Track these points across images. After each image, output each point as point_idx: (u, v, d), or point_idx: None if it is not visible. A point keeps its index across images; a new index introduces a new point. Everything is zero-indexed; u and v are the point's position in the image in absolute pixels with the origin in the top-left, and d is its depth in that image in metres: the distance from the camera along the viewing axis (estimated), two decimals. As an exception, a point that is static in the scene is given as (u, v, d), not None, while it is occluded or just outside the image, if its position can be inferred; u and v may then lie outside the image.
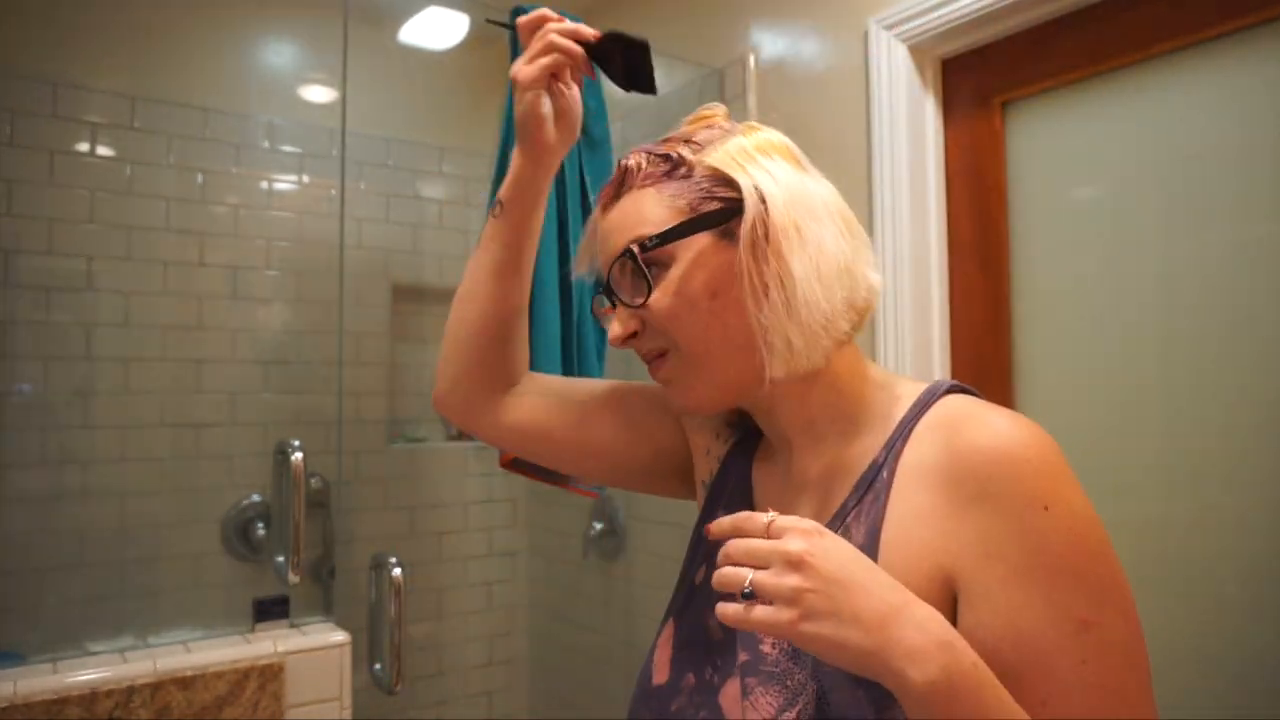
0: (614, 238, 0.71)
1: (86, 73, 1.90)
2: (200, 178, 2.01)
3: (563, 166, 1.64)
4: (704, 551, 0.77)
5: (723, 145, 0.70)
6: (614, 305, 0.72)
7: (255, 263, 2.08)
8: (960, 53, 1.56)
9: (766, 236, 0.65)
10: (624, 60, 0.78)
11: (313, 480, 1.95)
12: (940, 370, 1.57)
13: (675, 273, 0.67)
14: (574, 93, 0.81)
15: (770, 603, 0.52)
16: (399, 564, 1.67)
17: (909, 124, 1.56)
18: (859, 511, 0.65)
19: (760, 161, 0.69)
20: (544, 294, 1.59)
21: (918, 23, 1.52)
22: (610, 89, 1.89)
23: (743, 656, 0.66)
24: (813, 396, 0.70)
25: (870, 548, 0.62)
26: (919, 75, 1.58)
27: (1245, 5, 1.20)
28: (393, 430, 2.32)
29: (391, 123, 2.31)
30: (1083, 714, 0.53)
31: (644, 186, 0.70)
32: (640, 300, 0.68)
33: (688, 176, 0.69)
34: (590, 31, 0.79)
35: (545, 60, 0.77)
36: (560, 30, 0.78)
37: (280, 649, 1.49)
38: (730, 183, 0.68)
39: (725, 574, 0.54)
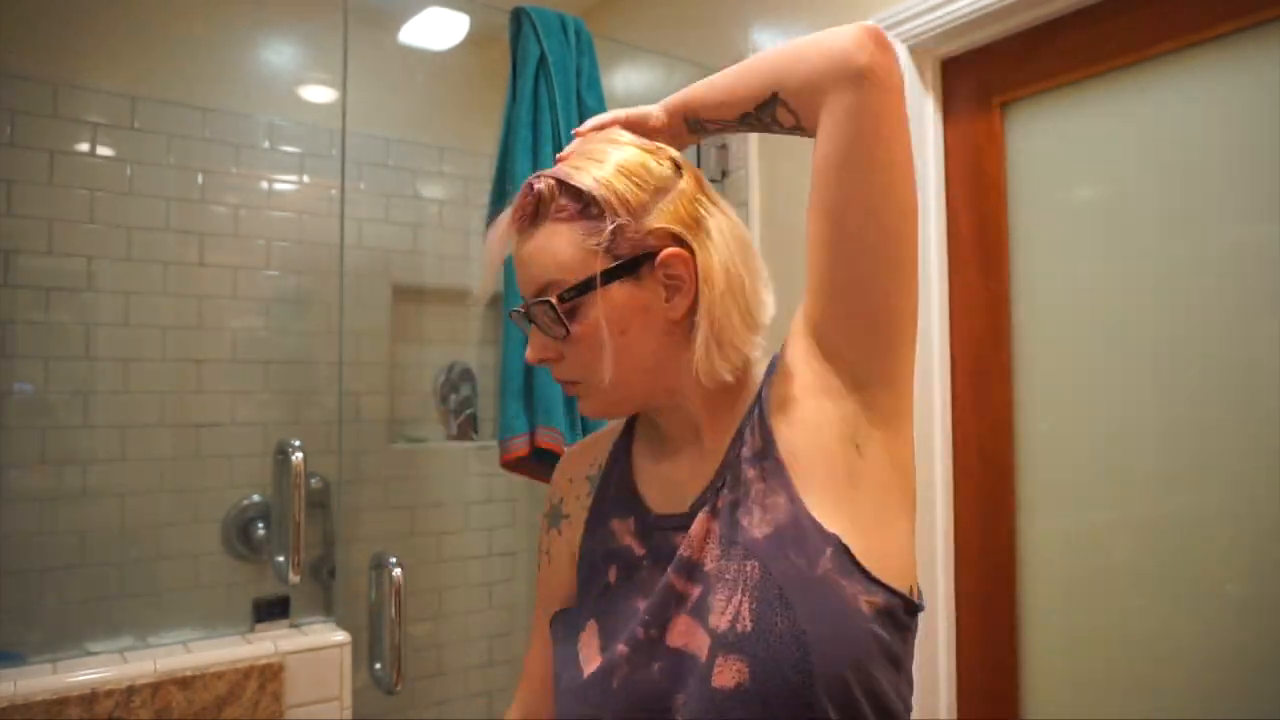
0: (533, 270, 0.75)
1: (86, 73, 1.89)
2: (200, 178, 2.01)
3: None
4: (609, 551, 0.80)
5: (627, 178, 0.73)
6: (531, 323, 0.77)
7: (255, 263, 2.08)
8: (960, 53, 1.56)
9: (689, 279, 0.72)
10: None
11: (313, 480, 1.95)
12: (940, 371, 1.57)
13: (589, 315, 0.72)
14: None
15: None
16: (399, 564, 1.67)
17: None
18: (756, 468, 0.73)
19: (667, 203, 0.73)
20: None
21: (918, 23, 1.52)
22: (610, 89, 1.89)
23: (695, 591, 0.71)
24: (723, 400, 0.78)
25: (777, 467, 0.72)
26: (919, 75, 1.58)
27: (1245, 5, 1.20)
28: (393, 430, 2.31)
29: (391, 123, 2.30)
30: None
31: (558, 220, 0.73)
32: (558, 336, 0.74)
33: (599, 217, 0.72)
34: None
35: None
36: None
37: (280, 649, 1.49)
38: (637, 227, 0.72)
39: None
